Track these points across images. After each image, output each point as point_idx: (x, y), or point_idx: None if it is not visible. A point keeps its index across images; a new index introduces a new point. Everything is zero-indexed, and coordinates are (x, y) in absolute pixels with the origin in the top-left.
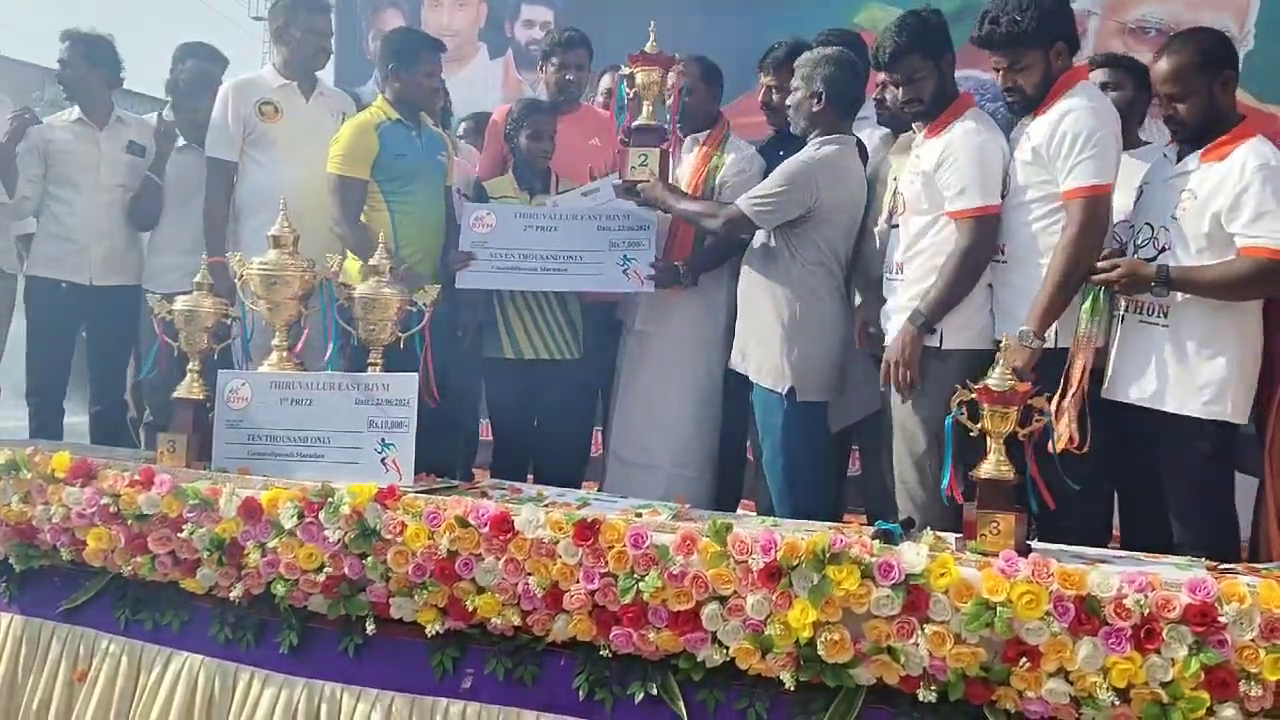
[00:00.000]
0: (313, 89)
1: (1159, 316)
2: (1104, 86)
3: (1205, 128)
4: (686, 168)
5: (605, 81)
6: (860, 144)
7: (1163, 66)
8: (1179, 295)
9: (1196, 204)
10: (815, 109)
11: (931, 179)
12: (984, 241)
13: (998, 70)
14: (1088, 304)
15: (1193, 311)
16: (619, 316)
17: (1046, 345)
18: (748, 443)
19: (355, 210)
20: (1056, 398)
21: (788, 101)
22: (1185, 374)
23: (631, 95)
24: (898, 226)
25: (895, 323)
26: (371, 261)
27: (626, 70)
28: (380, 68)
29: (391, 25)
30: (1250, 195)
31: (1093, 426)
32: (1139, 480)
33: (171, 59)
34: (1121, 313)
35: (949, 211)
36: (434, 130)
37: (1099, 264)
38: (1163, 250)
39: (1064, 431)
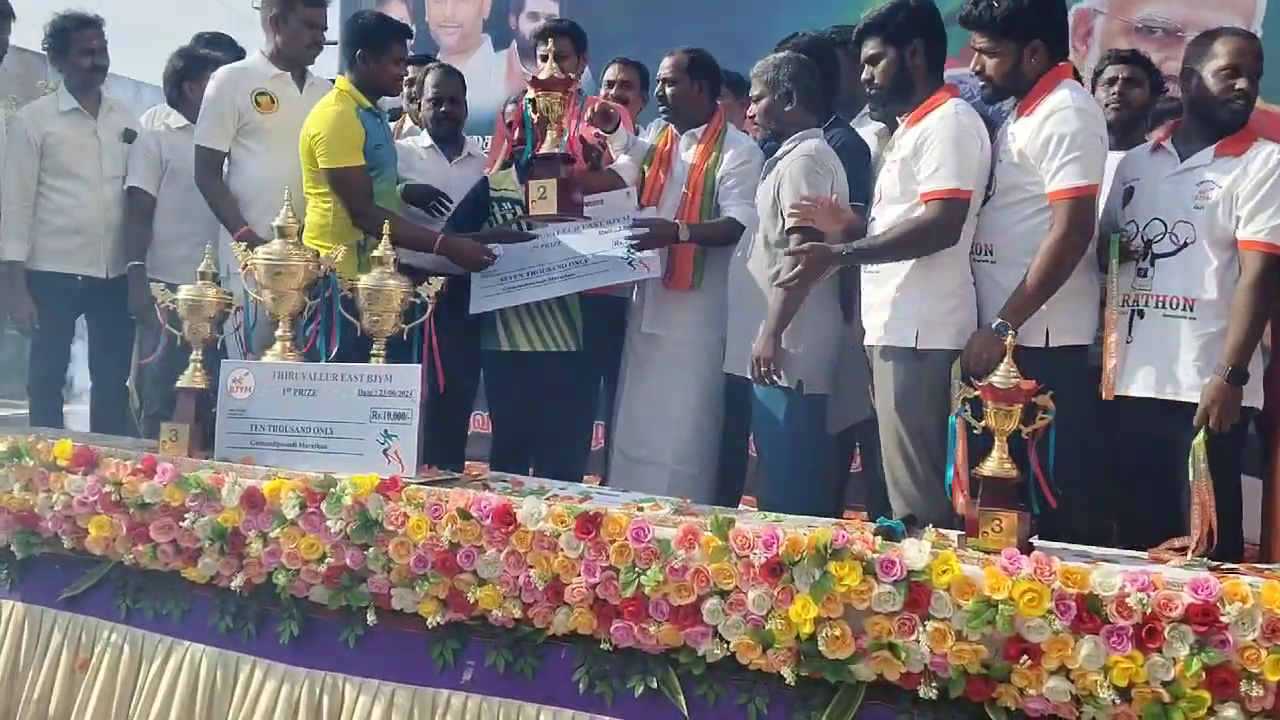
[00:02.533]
0: (304, 79)
1: (1185, 310)
2: (1125, 83)
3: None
4: (684, 166)
5: (610, 73)
6: (862, 142)
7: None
8: (1207, 286)
9: (1222, 192)
10: (787, 109)
11: (909, 165)
12: (945, 221)
13: (974, 49)
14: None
15: (1221, 304)
16: (626, 317)
17: (1038, 345)
18: (750, 439)
19: (370, 193)
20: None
21: (751, 110)
22: (1214, 365)
23: (536, 120)
24: (874, 219)
25: (872, 319)
26: (375, 253)
27: (529, 95)
28: (345, 52)
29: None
30: (1266, 188)
31: (1093, 427)
32: (1143, 482)
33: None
34: (1141, 307)
35: (921, 193)
36: (386, 116)
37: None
38: (1183, 246)
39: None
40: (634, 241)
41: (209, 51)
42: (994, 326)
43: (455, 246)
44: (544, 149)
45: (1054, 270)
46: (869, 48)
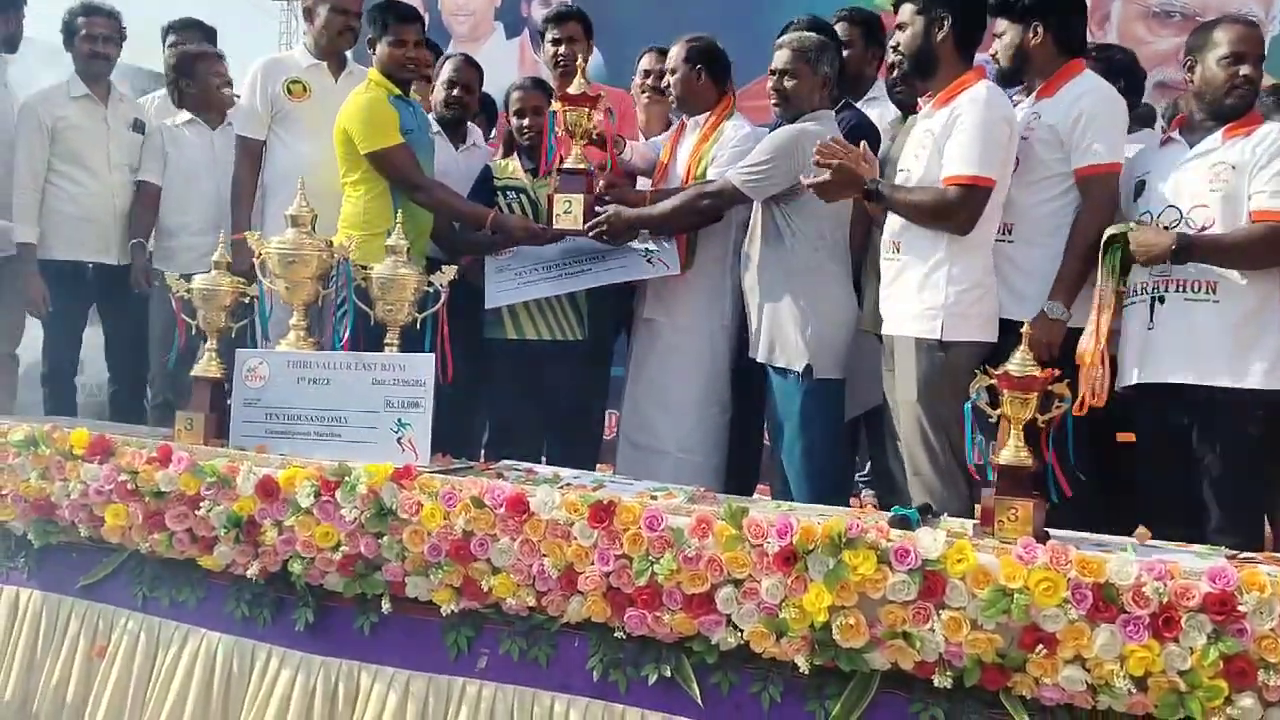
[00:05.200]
0: (342, 68)
1: (1207, 294)
2: None
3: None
4: (685, 151)
5: (644, 62)
6: (872, 125)
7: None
8: (1229, 271)
9: (1235, 172)
10: (822, 92)
11: (938, 145)
12: (963, 207)
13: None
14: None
15: (1244, 286)
16: (633, 305)
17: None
18: (764, 427)
19: (418, 165)
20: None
21: (783, 85)
22: (1240, 348)
23: (561, 133)
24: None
25: (893, 308)
26: (389, 242)
27: (555, 107)
28: (369, 41)
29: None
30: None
31: (1110, 419)
32: (1165, 471)
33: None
34: (1163, 293)
35: (944, 178)
36: (420, 106)
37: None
38: (1202, 230)
39: (1093, 383)
40: (655, 242)
41: (177, 39)
42: (1047, 307)
43: (505, 223)
44: (569, 163)
45: (1093, 242)
46: (901, 13)
